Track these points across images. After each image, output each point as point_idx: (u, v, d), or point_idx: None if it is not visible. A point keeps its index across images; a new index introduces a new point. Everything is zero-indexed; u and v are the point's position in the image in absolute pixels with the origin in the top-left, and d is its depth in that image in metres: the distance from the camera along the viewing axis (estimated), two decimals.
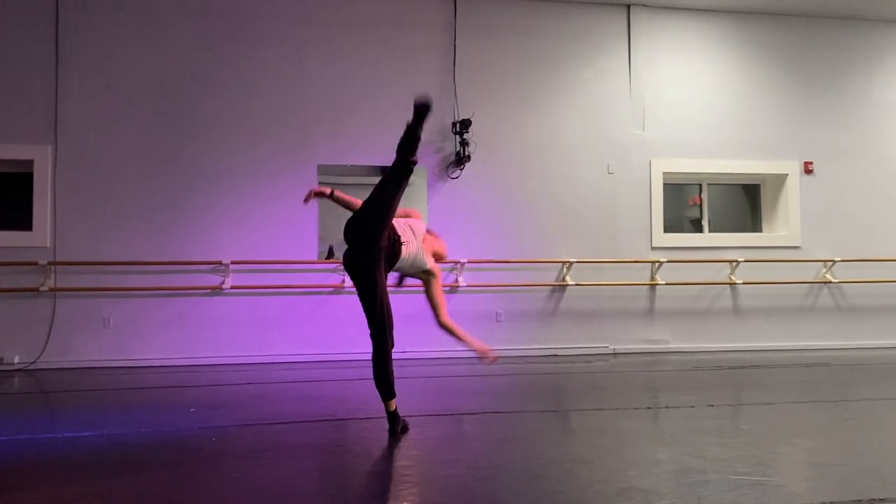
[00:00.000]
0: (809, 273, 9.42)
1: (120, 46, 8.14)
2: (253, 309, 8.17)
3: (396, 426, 4.27)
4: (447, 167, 8.65)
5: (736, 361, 7.98)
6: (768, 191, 9.78)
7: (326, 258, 8.54)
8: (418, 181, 8.87)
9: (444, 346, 8.33)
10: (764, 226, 9.81)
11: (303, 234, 8.29)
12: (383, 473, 3.52)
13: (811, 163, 9.51)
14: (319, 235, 8.40)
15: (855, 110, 9.71)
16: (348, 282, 8.15)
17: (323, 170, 8.48)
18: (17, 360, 7.69)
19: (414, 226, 4.52)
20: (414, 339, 8.39)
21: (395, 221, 4.34)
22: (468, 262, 8.48)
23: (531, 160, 8.88)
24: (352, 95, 8.56)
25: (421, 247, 4.45)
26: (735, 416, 5.08)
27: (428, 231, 4.65)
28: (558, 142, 8.96)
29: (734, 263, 9.12)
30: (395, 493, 3.20)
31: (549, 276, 8.80)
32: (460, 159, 8.49)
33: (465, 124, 8.42)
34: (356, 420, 4.85)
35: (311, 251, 8.33)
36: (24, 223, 7.91)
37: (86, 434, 4.42)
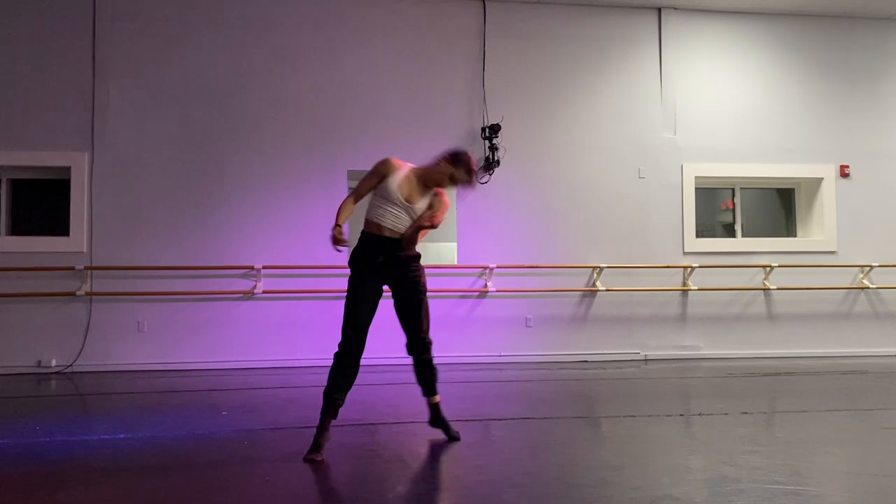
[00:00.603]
0: (846, 279, 9.24)
1: (155, 56, 8.28)
2: (284, 313, 8.24)
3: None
4: (476, 172, 8.65)
5: (770, 368, 7.86)
6: (803, 195, 9.63)
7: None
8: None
9: (472, 352, 8.35)
10: (799, 230, 9.66)
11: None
12: (413, 479, 3.52)
13: (847, 166, 9.34)
14: (350, 240, 8.43)
15: (893, 112, 9.51)
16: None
17: (353, 175, 8.53)
18: (54, 363, 7.84)
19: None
20: (442, 344, 8.40)
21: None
22: (497, 268, 8.47)
23: (561, 165, 8.85)
24: (381, 101, 8.61)
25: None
26: (770, 424, 5.00)
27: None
28: (588, 146, 8.92)
29: (768, 269, 8.99)
30: (426, 498, 3.20)
31: (579, 282, 8.75)
32: (489, 164, 8.48)
33: (494, 129, 8.42)
34: (386, 425, 4.87)
35: (342, 256, 8.36)
36: (62, 229, 8.07)
37: (121, 436, 4.49)
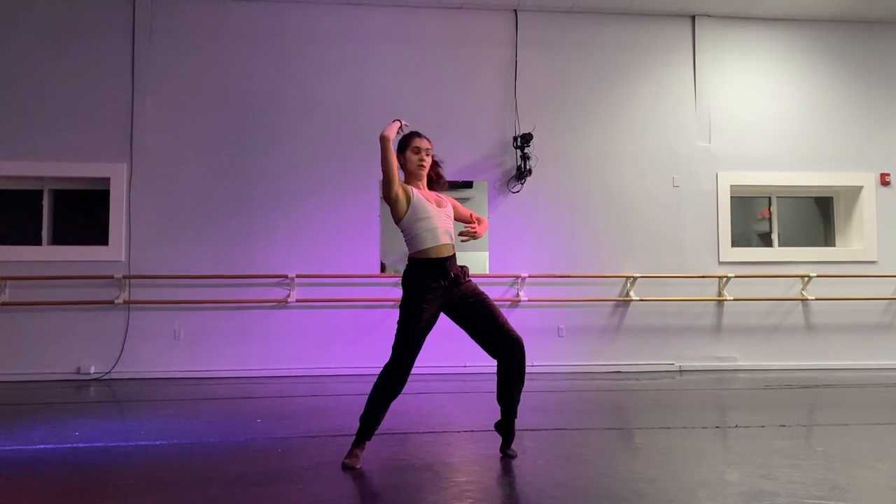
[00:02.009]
0: (887, 289, 9.04)
1: (191, 70, 8.44)
2: (317, 322, 8.31)
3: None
4: (508, 181, 8.65)
5: (808, 380, 7.70)
6: (842, 203, 9.45)
7: None
8: (479, 196, 8.89)
9: None
10: (837, 240, 9.47)
11: (365, 247, 8.41)
12: (445, 489, 3.51)
13: (888, 174, 9.15)
14: (382, 249, 8.49)
15: None
16: None
17: None
18: (93, 369, 7.99)
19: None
20: (475, 354, 8.39)
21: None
22: (529, 277, 8.44)
23: (593, 174, 8.80)
24: (414, 111, 8.62)
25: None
26: (809, 437, 4.90)
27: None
28: (621, 155, 8.86)
29: (806, 279, 8.82)
30: None
31: (613, 292, 8.68)
32: (521, 173, 8.47)
33: (526, 138, 8.41)
34: (417, 434, 4.87)
35: (374, 265, 8.43)
36: (101, 238, 8.25)
37: (158, 443, 4.56)
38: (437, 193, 4.19)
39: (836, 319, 8.93)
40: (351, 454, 3.93)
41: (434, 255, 3.97)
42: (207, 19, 8.50)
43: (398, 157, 4.10)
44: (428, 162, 4.13)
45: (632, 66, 9.01)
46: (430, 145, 4.17)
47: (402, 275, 4.09)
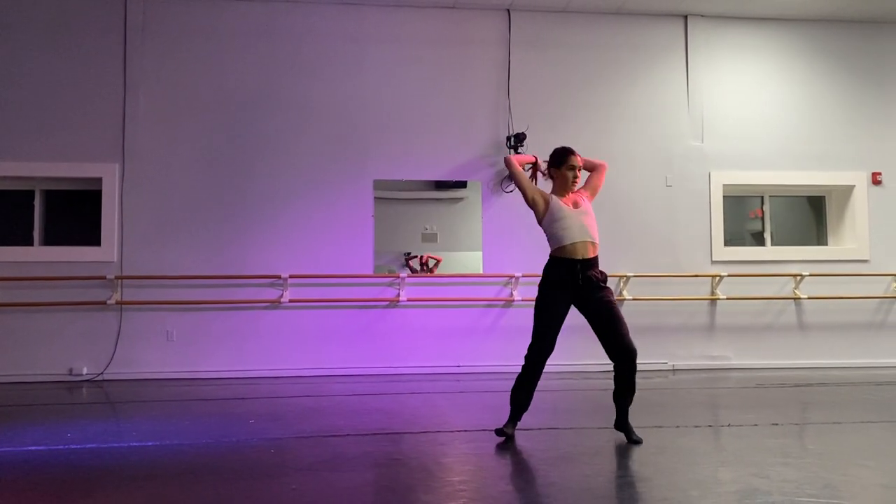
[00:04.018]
0: (879, 287, 9.07)
1: (183, 69, 8.41)
2: (310, 322, 8.29)
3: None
4: (501, 181, 8.65)
5: (801, 379, 7.73)
6: (834, 203, 9.48)
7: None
8: (472, 195, 8.89)
9: (498, 361, 8.32)
10: (830, 239, 9.50)
11: (359, 248, 8.39)
12: (438, 488, 3.51)
13: (880, 173, 9.19)
14: (375, 249, 8.49)
15: None
16: (403, 296, 8.25)
17: (379, 185, 8.58)
18: (85, 371, 7.96)
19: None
20: (468, 353, 8.40)
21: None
22: (523, 277, 8.44)
23: (586, 174, 8.79)
24: (407, 111, 8.65)
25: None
26: (801, 436, 4.92)
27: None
28: (614, 155, 8.84)
29: (798, 278, 8.85)
30: None
31: None
32: None
33: (519, 138, 8.41)
34: (411, 434, 4.86)
35: (368, 265, 8.42)
36: (93, 239, 8.21)
37: (150, 444, 4.54)
38: (576, 193, 4.67)
39: (829, 318, 8.96)
40: (506, 426, 4.53)
41: (569, 256, 4.45)
42: (200, 18, 8.47)
43: (552, 170, 4.67)
44: (580, 177, 4.66)
45: (625, 66, 9.02)
46: (581, 162, 4.71)
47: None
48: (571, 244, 4.45)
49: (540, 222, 4.61)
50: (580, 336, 8.53)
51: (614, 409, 4.58)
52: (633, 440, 4.45)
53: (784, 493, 3.30)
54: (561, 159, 4.65)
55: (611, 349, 4.51)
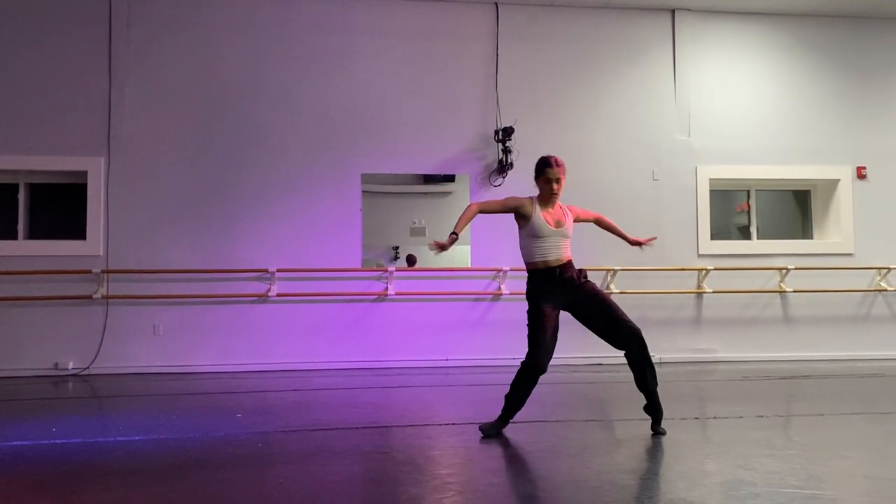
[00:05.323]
0: (863, 281, 9.15)
1: (170, 61, 8.35)
2: (298, 316, 8.27)
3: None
4: (489, 175, 8.65)
5: (786, 372, 7.79)
6: (819, 197, 9.55)
7: (408, 265, 8.79)
8: (460, 189, 8.90)
9: (486, 355, 8.34)
10: (815, 233, 9.58)
11: (347, 241, 8.38)
12: (427, 481, 3.51)
13: (864, 167, 9.26)
14: (363, 243, 8.47)
15: None
16: (391, 290, 8.24)
17: (366, 178, 8.56)
18: (71, 365, 7.91)
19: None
20: (456, 346, 8.41)
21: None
22: (511, 270, 8.45)
23: (574, 167, 8.66)
24: (395, 104, 8.63)
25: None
26: (786, 428, 4.96)
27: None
28: (602, 148, 8.89)
29: (784, 271, 8.92)
30: (439, 500, 3.20)
31: None
32: (503, 167, 8.48)
33: (507, 132, 8.41)
34: (399, 427, 4.87)
35: (356, 259, 8.40)
36: (78, 232, 8.14)
37: (137, 438, 4.52)
38: (563, 211, 4.66)
39: (814, 311, 9.03)
40: (494, 425, 4.45)
41: (543, 267, 4.49)
42: (186, 9, 8.39)
43: (536, 181, 4.63)
44: (560, 188, 4.58)
45: (612, 60, 9.03)
46: (563, 172, 4.60)
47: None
48: (543, 260, 4.51)
49: (519, 228, 4.61)
50: (567, 329, 8.58)
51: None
52: (658, 432, 4.45)
53: (769, 484, 3.33)
54: (539, 171, 4.62)
55: (615, 337, 4.55)
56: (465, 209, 4.55)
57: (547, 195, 4.59)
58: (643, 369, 4.51)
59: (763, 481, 3.37)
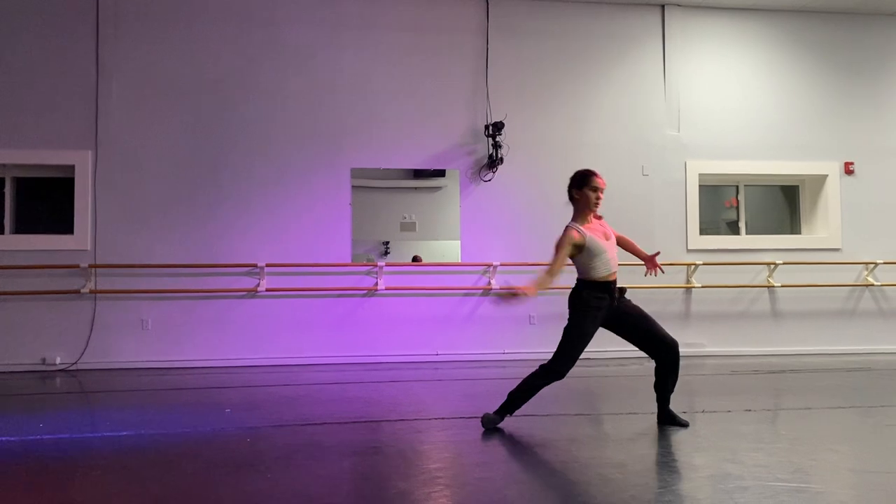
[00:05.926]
0: (850, 276, 9.21)
1: (158, 55, 8.29)
2: (287, 311, 8.25)
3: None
4: (480, 170, 8.65)
5: (774, 366, 7.84)
6: (807, 192, 9.60)
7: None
8: (451, 184, 8.89)
9: (476, 349, 8.35)
10: (803, 228, 9.63)
11: (336, 236, 8.35)
12: (416, 475, 3.52)
13: (852, 163, 9.31)
14: (353, 238, 8.45)
15: None
16: (381, 284, 8.23)
17: (356, 173, 8.54)
18: (58, 360, 7.86)
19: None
20: (446, 341, 8.41)
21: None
22: (501, 265, 8.46)
23: (564, 162, 8.80)
24: (385, 99, 8.61)
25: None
26: (774, 422, 4.99)
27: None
28: (592, 144, 8.90)
29: (772, 266, 8.97)
30: (428, 494, 3.20)
31: None
32: (493, 162, 8.47)
33: (497, 127, 8.40)
34: (389, 422, 4.87)
35: (345, 254, 8.39)
36: (66, 227, 8.08)
37: (125, 434, 4.50)
38: (601, 223, 4.76)
39: (802, 306, 9.09)
40: (493, 419, 4.54)
41: (603, 279, 4.60)
42: (174, 2, 8.33)
43: (574, 192, 4.73)
44: (602, 199, 4.68)
45: (602, 55, 9.03)
46: (604, 184, 4.72)
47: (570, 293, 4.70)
48: (608, 272, 4.60)
49: (574, 257, 4.63)
50: (559, 324, 8.61)
51: (655, 400, 4.71)
52: (681, 423, 4.58)
53: (756, 477, 3.35)
54: (583, 180, 4.70)
55: (655, 347, 4.68)
56: (543, 281, 4.55)
57: (589, 206, 4.66)
58: (669, 377, 4.66)
59: (751, 475, 3.40)
